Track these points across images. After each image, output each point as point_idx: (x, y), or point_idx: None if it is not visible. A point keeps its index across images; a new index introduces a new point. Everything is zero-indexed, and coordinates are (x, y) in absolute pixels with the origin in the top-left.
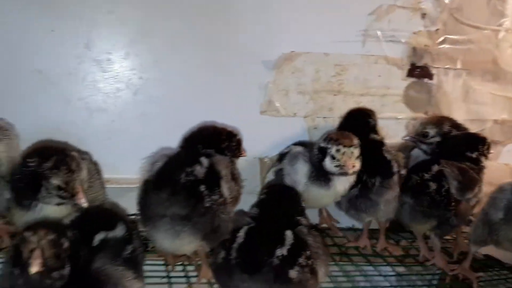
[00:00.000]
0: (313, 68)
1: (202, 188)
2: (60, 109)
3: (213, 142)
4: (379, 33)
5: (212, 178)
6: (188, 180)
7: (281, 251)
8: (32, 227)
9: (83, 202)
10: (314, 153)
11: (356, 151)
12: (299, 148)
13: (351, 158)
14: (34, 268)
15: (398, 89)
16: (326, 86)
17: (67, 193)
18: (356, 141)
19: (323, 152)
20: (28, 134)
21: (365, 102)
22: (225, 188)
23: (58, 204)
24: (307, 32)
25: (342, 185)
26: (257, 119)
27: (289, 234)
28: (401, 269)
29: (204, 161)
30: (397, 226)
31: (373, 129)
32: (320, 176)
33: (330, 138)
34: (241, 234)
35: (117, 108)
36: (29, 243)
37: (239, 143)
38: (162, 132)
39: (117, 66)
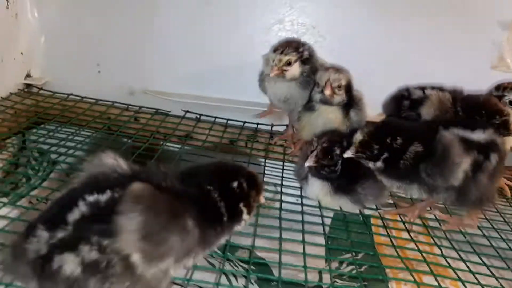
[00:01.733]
0: None
1: None
2: None
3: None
4: None
5: None
6: None
7: None
8: (319, 135)
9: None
10: None
11: None
12: None
13: None
14: (307, 163)
15: None
16: None
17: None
18: None
19: None
20: None
21: None
22: None
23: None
24: None
25: None
26: (487, 73)
27: None
28: None
29: None
30: None
31: None
32: None
33: (504, 86)
34: None
35: (363, 63)
36: (311, 146)
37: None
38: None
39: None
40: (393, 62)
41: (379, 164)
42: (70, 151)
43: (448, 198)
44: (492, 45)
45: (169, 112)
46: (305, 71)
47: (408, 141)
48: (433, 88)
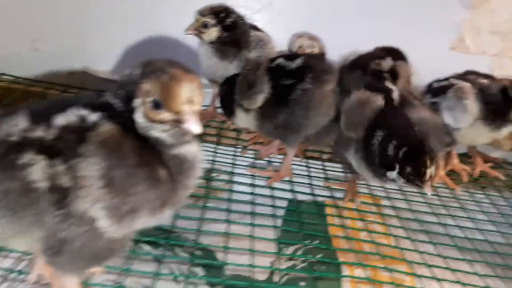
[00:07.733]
0: (508, 10)
1: None
2: None
3: None
4: None
5: None
6: None
7: None
8: None
9: None
10: None
11: None
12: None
13: None
14: None
15: None
16: None
17: None
18: None
19: None
20: None
21: None
22: None
23: None
24: None
25: None
26: (446, 54)
27: None
28: None
29: None
30: None
31: None
32: None
33: None
34: None
35: None
36: None
37: None
38: None
39: None
40: (356, 42)
41: None
42: None
43: None
44: (452, 25)
45: None
46: (224, 37)
47: None
48: None
